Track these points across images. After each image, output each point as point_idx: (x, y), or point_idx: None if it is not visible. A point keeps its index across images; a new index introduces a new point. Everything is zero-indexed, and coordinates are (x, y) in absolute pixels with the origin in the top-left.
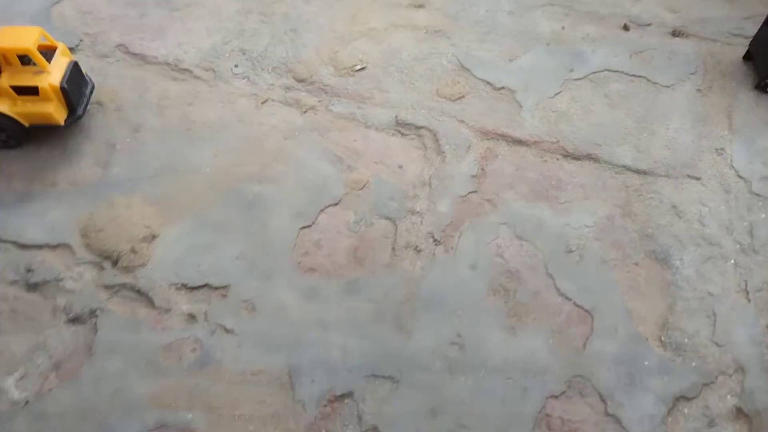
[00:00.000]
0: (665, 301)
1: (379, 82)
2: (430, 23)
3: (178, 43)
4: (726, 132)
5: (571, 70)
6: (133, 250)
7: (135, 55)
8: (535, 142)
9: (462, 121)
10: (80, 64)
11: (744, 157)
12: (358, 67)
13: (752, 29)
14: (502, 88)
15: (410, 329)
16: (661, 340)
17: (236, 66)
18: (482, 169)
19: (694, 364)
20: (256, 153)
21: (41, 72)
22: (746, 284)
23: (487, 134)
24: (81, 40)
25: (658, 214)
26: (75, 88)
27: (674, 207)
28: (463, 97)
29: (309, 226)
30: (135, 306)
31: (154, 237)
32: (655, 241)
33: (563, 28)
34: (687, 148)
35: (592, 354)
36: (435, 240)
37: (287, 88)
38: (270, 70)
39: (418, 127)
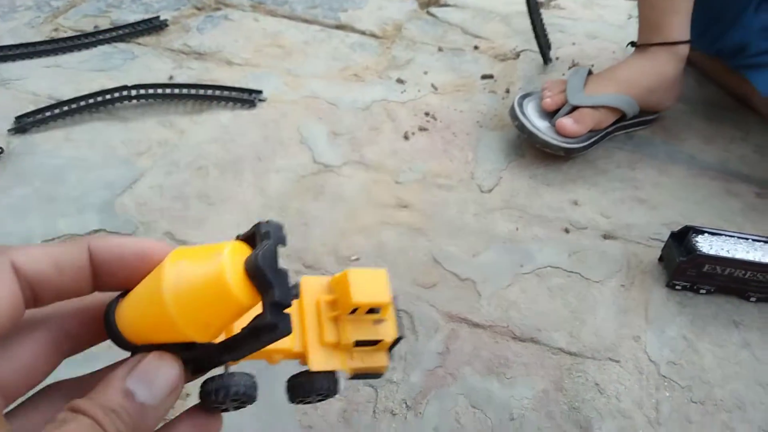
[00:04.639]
0: None
1: None
2: (411, 221)
3: (213, 231)
4: (643, 322)
5: (522, 266)
6: None
7: (179, 241)
8: (490, 326)
9: (433, 306)
10: None
11: (656, 345)
12: (354, 257)
13: (668, 235)
14: (466, 279)
15: None
16: None
17: None
18: (447, 348)
19: None
20: None
21: (381, 321)
22: None
23: (452, 318)
24: (137, 228)
25: (584, 390)
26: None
27: (597, 384)
28: (434, 285)
29: None
30: None
31: None
32: (580, 413)
33: (517, 229)
34: (610, 335)
35: None
36: (407, 406)
37: (296, 272)
38: (284, 257)
39: (398, 310)
